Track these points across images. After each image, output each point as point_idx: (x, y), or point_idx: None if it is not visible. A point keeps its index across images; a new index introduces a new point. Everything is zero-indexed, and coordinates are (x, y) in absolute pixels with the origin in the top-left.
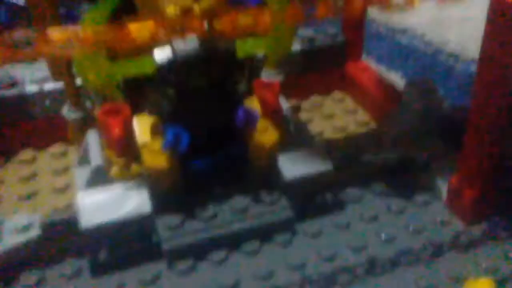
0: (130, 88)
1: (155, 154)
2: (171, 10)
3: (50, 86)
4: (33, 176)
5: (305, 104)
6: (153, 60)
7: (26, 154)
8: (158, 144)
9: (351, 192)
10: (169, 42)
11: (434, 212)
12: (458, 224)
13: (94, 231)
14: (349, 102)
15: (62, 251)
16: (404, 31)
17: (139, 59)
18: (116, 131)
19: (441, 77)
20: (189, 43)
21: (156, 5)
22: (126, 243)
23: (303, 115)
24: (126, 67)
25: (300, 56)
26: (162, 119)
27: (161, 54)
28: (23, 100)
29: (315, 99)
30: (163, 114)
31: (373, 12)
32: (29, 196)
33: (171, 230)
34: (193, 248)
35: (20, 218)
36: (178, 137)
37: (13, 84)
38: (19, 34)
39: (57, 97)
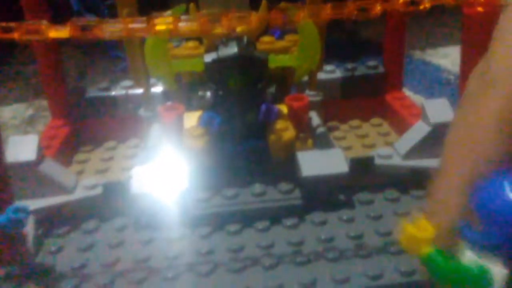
0: (185, 88)
1: (193, 137)
2: (218, 30)
3: (133, 91)
4: (110, 159)
5: (344, 126)
6: (202, 61)
7: (109, 143)
8: (197, 130)
9: (363, 194)
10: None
11: None
12: None
13: (140, 197)
14: (385, 127)
15: (115, 210)
16: None
17: (192, 59)
18: (170, 122)
19: None
20: (230, 50)
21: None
22: (164, 209)
23: (339, 134)
24: (183, 63)
25: (340, 83)
26: (204, 110)
27: (209, 57)
28: (113, 101)
29: (354, 122)
30: (205, 106)
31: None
32: (103, 171)
33: (199, 202)
34: (214, 219)
35: (90, 180)
36: (212, 119)
37: (106, 88)
38: (82, 21)
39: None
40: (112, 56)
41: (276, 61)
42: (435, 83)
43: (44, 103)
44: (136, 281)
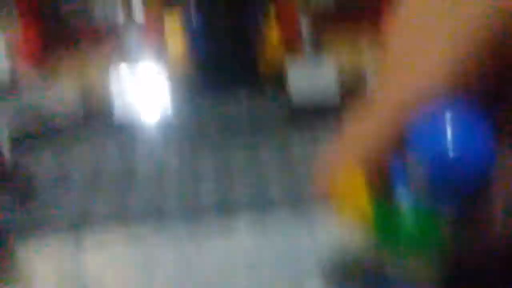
0: None
1: (174, 41)
2: None
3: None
4: (86, 64)
5: (337, 40)
6: None
7: (85, 47)
8: (178, 32)
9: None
10: None
11: None
12: None
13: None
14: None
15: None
16: None
17: None
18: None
19: None
20: None
21: None
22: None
23: (331, 48)
24: None
25: None
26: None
27: None
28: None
29: (348, 36)
30: (186, 6)
31: None
32: (79, 77)
33: (182, 114)
34: (198, 131)
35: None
36: (194, 20)
37: None
38: None
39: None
40: None
41: None
42: None
43: None
44: (118, 192)
